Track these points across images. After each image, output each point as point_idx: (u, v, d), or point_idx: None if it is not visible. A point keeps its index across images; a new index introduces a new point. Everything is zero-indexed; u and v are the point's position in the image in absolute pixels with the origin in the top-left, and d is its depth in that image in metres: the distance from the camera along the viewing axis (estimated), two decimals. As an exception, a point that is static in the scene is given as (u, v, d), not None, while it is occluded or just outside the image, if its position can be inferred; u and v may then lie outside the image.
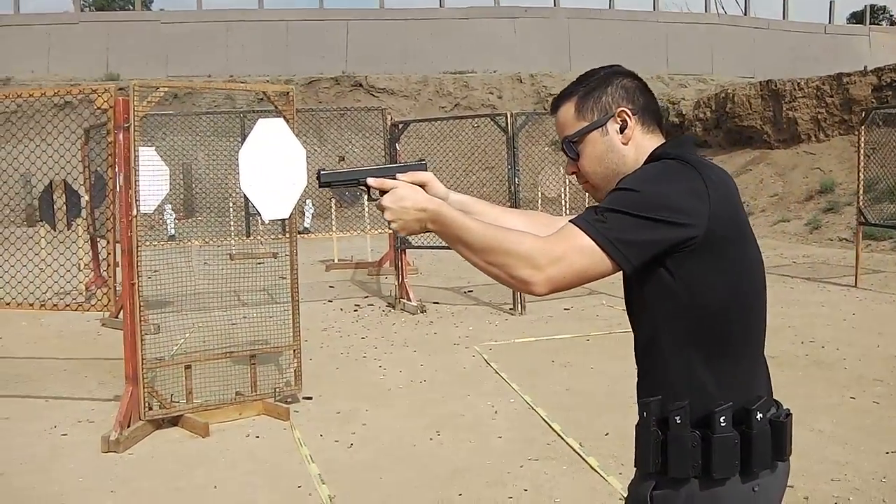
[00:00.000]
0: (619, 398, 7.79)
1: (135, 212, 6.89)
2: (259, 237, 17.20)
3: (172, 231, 20.39)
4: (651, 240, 2.28)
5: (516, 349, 9.76)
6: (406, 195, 2.51)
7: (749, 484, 2.38)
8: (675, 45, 34.98)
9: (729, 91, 26.61)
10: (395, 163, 12.52)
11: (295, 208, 7.60)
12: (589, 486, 5.84)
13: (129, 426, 6.86)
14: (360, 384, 8.50)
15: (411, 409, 7.66)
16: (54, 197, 13.38)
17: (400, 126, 12.71)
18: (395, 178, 2.59)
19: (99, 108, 6.97)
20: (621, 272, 2.35)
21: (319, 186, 2.80)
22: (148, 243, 12.52)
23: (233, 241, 17.46)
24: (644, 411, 2.40)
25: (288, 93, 7.59)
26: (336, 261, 17.05)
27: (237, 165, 7.36)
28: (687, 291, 2.34)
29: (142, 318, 7.00)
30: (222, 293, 10.53)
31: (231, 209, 18.29)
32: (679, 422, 2.34)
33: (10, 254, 8.40)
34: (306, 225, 21.99)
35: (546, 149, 26.43)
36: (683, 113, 28.42)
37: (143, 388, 6.98)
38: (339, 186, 2.77)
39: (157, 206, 11.11)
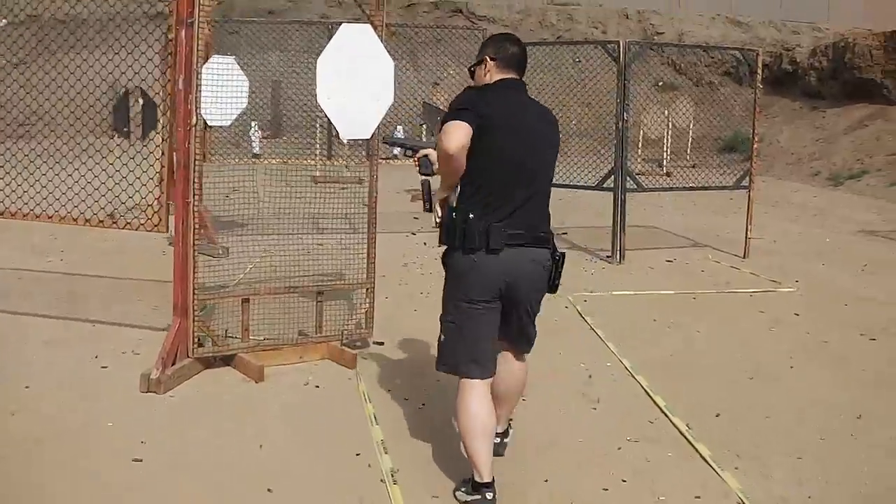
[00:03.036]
0: (731, 371, 6.84)
1: (194, 121, 6.05)
2: (343, 161, 16.41)
3: (257, 149, 19.73)
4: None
5: (614, 303, 8.80)
6: (431, 153, 4.77)
7: (469, 256, 4.39)
8: (789, -12, 33.03)
9: (849, 40, 24.96)
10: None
11: (379, 129, 6.69)
12: (699, 480, 4.89)
13: (174, 364, 6.09)
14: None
15: (494, 365, 6.77)
16: (130, 106, 12.76)
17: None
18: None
19: (161, 1, 6.12)
20: None
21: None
22: (226, 159, 11.79)
23: (317, 164, 16.67)
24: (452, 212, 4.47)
25: (378, -6, 6.65)
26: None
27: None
28: (472, 154, 4.30)
29: (198, 241, 6.19)
30: (300, 218, 9.87)
31: (318, 130, 17.50)
32: (442, 214, 4.57)
33: (81, 163, 7.54)
34: (395, 151, 21.13)
35: (649, 89, 25.19)
36: (798, 61, 26.83)
37: (193, 321, 6.18)
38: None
39: (233, 120, 10.24)
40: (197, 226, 6.12)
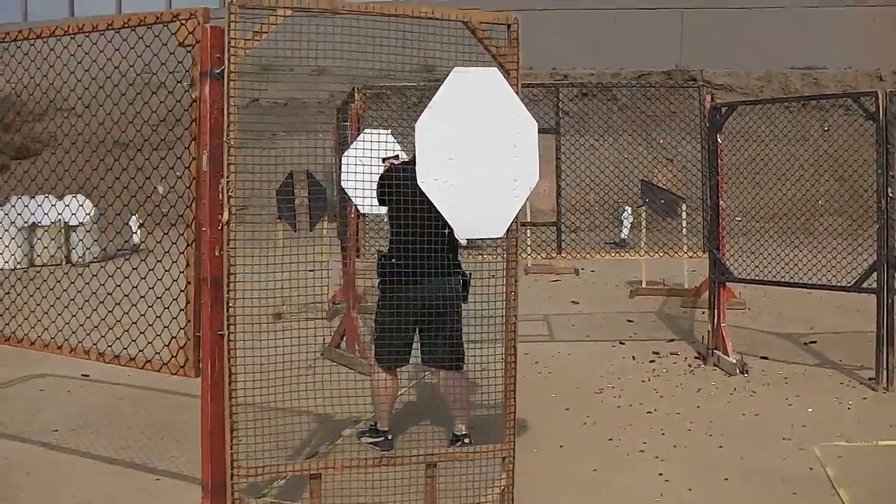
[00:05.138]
0: None
1: (226, 217, 4.08)
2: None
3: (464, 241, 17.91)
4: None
5: (882, 460, 6.13)
6: None
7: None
8: None
9: None
10: (716, 159, 9.29)
11: (518, 222, 4.56)
12: None
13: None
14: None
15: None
16: (296, 191, 11.30)
17: (723, 110, 9.25)
18: None
19: (181, 45, 4.24)
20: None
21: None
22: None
23: (528, 252, 14.70)
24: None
25: (510, 25, 4.54)
26: (644, 284, 13.64)
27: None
28: None
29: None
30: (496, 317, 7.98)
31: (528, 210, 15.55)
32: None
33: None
34: (623, 236, 18.86)
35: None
36: None
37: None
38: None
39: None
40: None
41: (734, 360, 8.62)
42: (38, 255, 17.74)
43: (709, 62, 27.56)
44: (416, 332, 6.16)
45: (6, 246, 15.57)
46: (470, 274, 6.11)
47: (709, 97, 9.70)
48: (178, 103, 4.63)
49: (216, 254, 4.15)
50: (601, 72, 26.28)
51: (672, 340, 10.13)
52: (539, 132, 10.96)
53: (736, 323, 10.19)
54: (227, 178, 4.13)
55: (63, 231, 17.82)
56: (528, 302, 12.87)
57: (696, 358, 9.23)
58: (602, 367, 8.80)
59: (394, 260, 5.76)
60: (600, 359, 9.13)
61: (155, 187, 5.04)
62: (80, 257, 17.37)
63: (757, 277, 9.14)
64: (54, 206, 15.88)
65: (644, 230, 13.87)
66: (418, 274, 5.45)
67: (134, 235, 18.75)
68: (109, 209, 6.08)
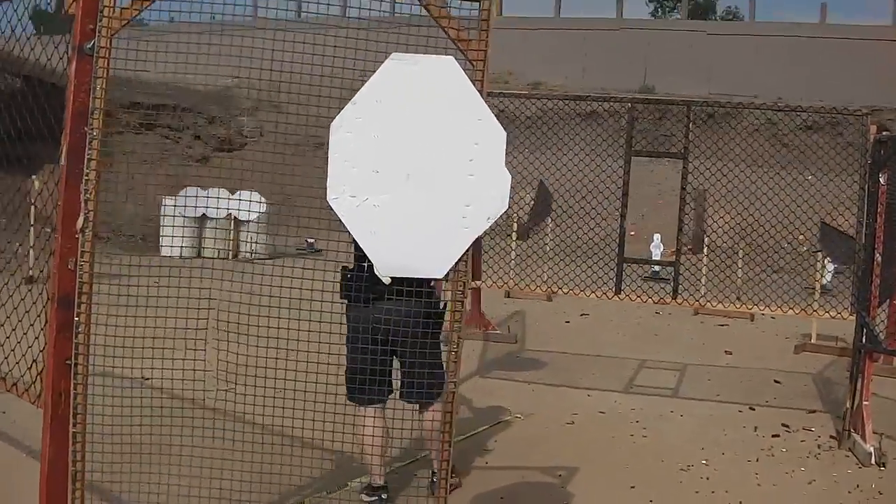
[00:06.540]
0: None
1: (80, 223, 3.28)
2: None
3: (656, 266, 16.87)
4: None
5: None
6: None
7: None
8: None
9: None
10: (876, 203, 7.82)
11: (470, 257, 3.57)
12: None
13: None
14: None
15: None
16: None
17: (889, 144, 7.71)
18: None
19: (67, 15, 3.48)
20: None
21: None
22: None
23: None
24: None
25: (480, 1, 3.55)
26: (813, 340, 12.04)
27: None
28: None
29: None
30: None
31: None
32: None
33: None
34: (826, 281, 17.05)
35: None
36: None
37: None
38: None
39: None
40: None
41: (870, 449, 7.19)
42: (207, 248, 17.84)
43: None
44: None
45: (181, 237, 15.56)
46: (445, 304, 5.14)
47: (873, 128, 8.15)
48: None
49: (68, 267, 3.34)
50: (828, 106, 24.62)
51: (813, 412, 8.67)
52: (666, 156, 9.77)
53: (905, 399, 8.75)
54: (88, 175, 3.32)
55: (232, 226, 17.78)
56: (675, 347, 11.61)
57: (832, 437, 7.83)
58: (710, 436, 7.56)
59: (353, 276, 5.04)
60: (714, 426, 7.88)
61: (32, 180, 4.32)
62: (247, 251, 17.35)
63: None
64: (204, 195, 14.58)
65: (819, 279, 12.42)
66: (380, 292, 4.75)
67: (308, 238, 18.62)
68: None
